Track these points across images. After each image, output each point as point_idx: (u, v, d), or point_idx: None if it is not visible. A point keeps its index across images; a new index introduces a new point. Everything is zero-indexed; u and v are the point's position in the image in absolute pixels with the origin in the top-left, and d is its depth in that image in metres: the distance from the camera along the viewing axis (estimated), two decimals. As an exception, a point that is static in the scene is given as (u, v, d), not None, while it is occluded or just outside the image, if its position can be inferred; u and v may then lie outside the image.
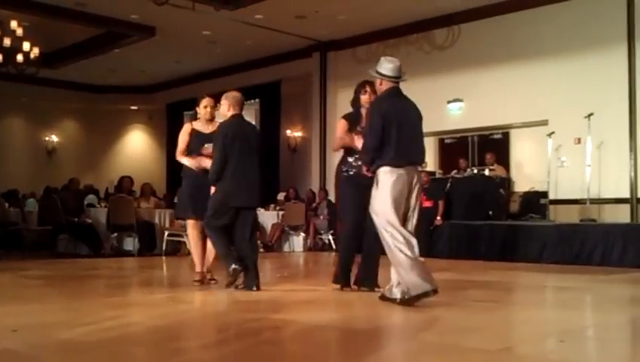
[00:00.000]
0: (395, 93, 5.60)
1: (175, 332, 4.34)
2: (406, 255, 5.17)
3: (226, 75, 17.46)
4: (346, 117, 6.29)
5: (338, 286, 6.23)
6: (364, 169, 5.69)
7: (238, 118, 6.37)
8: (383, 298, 5.50)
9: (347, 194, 6.19)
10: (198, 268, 6.71)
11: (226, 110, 6.42)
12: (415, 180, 5.45)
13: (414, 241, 5.24)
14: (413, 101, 5.65)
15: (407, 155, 5.42)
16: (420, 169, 5.64)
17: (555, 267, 9.42)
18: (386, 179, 5.35)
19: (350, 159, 6.12)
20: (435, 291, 5.13)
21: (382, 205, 5.34)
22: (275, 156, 17.43)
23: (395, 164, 5.36)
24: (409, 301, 5.14)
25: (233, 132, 6.22)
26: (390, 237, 5.26)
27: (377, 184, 5.41)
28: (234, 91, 6.52)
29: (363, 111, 6.12)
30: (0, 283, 7.58)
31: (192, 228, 6.74)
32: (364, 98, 6.15)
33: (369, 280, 6.17)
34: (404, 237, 5.22)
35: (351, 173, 6.11)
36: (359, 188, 5.92)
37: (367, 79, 6.16)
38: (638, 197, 11.07)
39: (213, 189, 6.23)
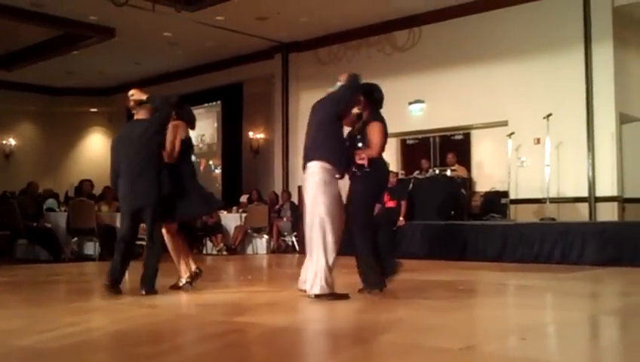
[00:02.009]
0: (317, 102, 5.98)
1: (137, 337, 4.30)
2: None
3: (187, 77, 17.34)
4: None
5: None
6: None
7: (131, 121, 6.43)
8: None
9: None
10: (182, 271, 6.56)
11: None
12: (306, 180, 5.75)
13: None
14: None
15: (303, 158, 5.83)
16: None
17: (516, 266, 9.52)
18: None
19: None
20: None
21: None
22: (237, 158, 17.37)
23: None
24: None
25: (119, 136, 6.36)
26: None
27: None
28: None
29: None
30: (-44, 290, 7.42)
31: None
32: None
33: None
34: None
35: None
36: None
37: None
38: (596, 196, 11.27)
39: None
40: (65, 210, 12.43)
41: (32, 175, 16.72)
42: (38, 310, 5.57)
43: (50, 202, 13.67)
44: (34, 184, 13.75)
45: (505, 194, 11.68)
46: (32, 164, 19.53)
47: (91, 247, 11.63)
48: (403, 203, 11.47)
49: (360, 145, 5.98)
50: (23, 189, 14.21)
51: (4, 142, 19.64)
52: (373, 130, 5.97)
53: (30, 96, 19.60)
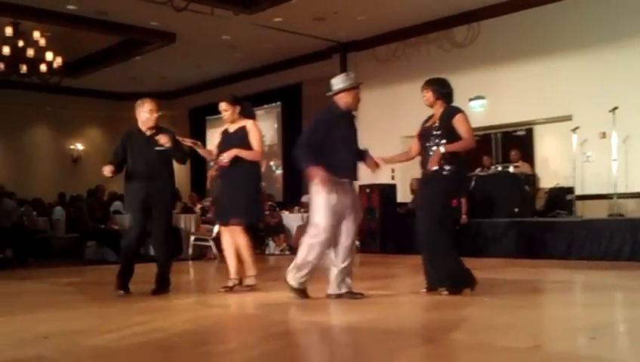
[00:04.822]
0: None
1: (202, 337, 4.36)
2: None
3: (246, 79, 17.51)
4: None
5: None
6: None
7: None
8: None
9: None
10: (231, 275, 6.61)
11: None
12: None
13: None
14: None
15: None
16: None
17: (584, 263, 9.32)
18: None
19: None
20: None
21: None
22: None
23: None
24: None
25: None
26: None
27: None
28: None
29: (434, 110, 6.13)
30: (30, 291, 7.67)
31: (221, 233, 6.76)
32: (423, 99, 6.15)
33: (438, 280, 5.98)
34: None
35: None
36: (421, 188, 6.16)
37: (427, 78, 6.20)
38: (667, 191, 10.93)
39: None
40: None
41: (99, 178, 17.15)
42: (107, 310, 5.71)
43: (117, 204, 13.98)
44: (101, 187, 14.12)
45: (570, 190, 11.41)
46: (99, 167, 19.87)
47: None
48: (464, 201, 11.32)
49: (437, 141, 5.89)
50: (91, 192, 14.61)
51: (71, 146, 20.22)
52: (462, 121, 5.89)
53: (96, 101, 20.14)
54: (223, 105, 6.64)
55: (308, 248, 5.71)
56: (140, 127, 6.53)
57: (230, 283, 6.54)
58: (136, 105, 6.56)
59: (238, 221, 6.48)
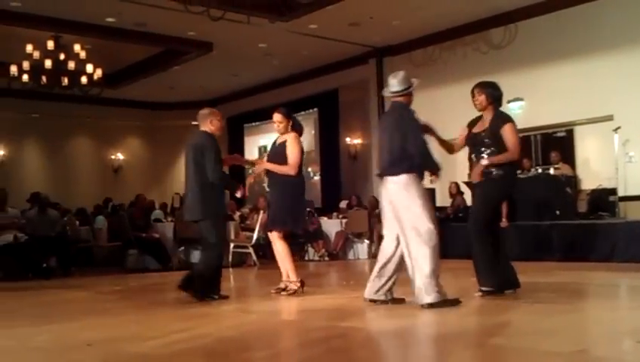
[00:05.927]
0: (387, 109, 6.10)
1: (244, 343, 4.38)
2: None
3: (283, 86, 17.60)
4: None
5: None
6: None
7: (194, 133, 6.85)
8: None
9: None
10: (283, 277, 6.84)
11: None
12: (385, 192, 5.66)
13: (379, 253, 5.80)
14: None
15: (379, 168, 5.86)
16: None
17: (628, 266, 9.13)
18: None
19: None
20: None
21: None
22: (335, 164, 17.48)
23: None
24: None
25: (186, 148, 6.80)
26: None
27: None
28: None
29: (484, 115, 6.06)
30: (74, 299, 7.80)
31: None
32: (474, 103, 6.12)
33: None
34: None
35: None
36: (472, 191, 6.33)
37: (477, 82, 6.16)
38: None
39: None
40: (171, 221, 12.86)
41: (140, 188, 17.42)
42: (149, 317, 5.78)
43: (157, 213, 14.19)
44: (142, 196, 14.31)
45: (613, 191, 11.22)
46: (139, 176, 20.33)
47: (197, 256, 11.90)
48: (504, 204, 11.16)
49: (485, 149, 5.89)
50: (132, 201, 14.82)
51: (112, 156, 20.54)
52: (509, 132, 5.84)
53: (135, 112, 20.44)
54: (277, 117, 6.88)
55: (432, 254, 5.55)
56: (211, 134, 6.67)
57: (282, 285, 6.81)
58: (208, 113, 6.77)
59: (276, 228, 6.75)
